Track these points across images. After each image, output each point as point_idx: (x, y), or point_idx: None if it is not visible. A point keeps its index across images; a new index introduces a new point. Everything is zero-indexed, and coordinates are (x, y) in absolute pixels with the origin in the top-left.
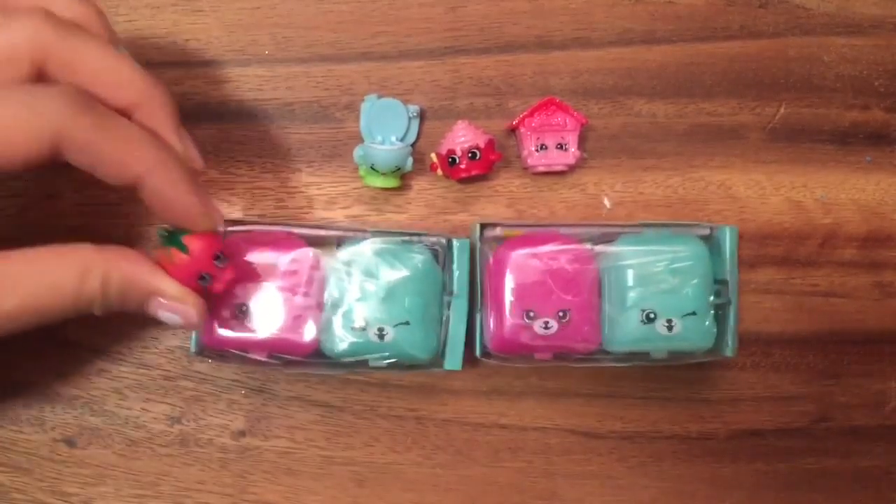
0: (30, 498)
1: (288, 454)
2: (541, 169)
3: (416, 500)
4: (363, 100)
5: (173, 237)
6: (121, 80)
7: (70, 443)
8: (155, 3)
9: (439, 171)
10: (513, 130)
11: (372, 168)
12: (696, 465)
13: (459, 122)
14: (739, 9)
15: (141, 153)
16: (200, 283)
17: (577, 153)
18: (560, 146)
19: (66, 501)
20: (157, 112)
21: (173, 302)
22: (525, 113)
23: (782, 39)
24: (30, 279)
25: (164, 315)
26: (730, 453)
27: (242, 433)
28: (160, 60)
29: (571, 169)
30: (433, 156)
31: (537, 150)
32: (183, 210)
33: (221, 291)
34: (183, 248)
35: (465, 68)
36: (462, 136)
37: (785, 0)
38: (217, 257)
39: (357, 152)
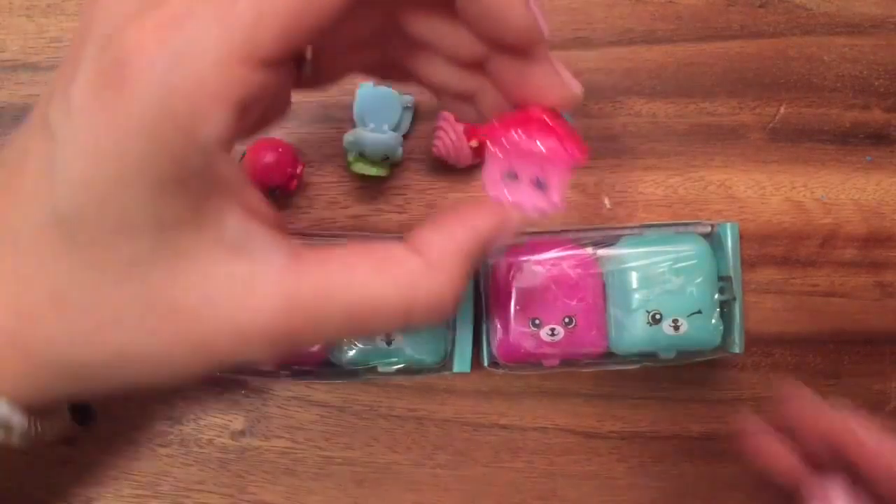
0: (30, 498)
1: (288, 454)
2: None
3: (416, 500)
4: (358, 86)
5: None
6: None
7: (71, 442)
8: None
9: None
10: (481, 142)
11: (361, 155)
12: (697, 466)
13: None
14: (739, 9)
15: None
16: None
17: (557, 201)
18: (538, 183)
19: (65, 501)
20: None
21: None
22: (498, 119)
23: (782, 39)
24: (351, 293)
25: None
26: (730, 453)
27: (242, 433)
28: None
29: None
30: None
31: (503, 179)
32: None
33: None
34: None
35: None
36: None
37: (785, 0)
38: None
39: (347, 137)
